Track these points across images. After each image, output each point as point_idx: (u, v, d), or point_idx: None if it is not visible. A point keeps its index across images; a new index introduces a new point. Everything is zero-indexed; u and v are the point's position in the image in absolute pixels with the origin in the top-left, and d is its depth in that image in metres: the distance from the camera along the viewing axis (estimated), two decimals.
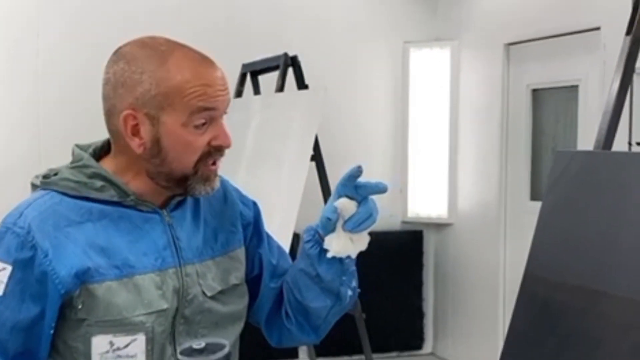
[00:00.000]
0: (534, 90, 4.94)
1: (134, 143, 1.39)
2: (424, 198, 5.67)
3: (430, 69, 5.61)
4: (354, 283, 1.58)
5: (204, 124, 1.39)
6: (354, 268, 1.57)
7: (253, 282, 1.61)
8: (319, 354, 4.77)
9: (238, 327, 1.56)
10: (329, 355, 5.23)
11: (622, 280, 1.75)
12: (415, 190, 5.69)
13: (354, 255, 1.53)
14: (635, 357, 1.63)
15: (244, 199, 1.62)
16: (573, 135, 4.59)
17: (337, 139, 5.26)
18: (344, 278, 1.55)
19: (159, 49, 1.39)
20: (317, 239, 1.53)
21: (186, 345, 1.21)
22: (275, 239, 1.69)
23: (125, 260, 1.39)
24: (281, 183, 3.71)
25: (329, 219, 1.48)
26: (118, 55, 1.41)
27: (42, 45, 4.96)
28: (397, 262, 5.57)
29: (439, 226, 5.71)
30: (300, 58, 4.10)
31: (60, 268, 1.34)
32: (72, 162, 1.46)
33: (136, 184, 1.43)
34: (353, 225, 1.48)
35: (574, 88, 4.56)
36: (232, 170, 1.51)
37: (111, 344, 1.37)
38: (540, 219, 2.06)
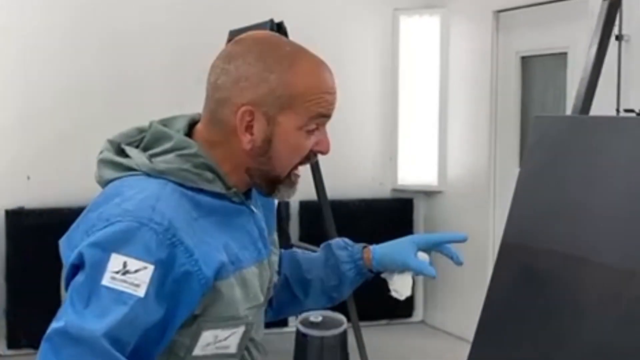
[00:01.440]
0: (523, 58, 4.94)
1: (245, 139, 1.36)
2: (414, 166, 5.68)
3: (420, 36, 5.59)
4: None
5: (314, 130, 1.39)
6: None
7: None
8: None
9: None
10: None
11: (602, 249, 1.73)
12: (405, 158, 5.70)
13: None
14: (619, 329, 1.61)
15: None
16: (562, 102, 4.59)
17: None
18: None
19: (285, 49, 1.39)
20: (359, 265, 1.62)
21: (303, 316, 1.21)
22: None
23: (235, 255, 1.37)
24: None
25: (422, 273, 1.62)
26: (242, 48, 1.39)
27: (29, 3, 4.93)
28: (387, 230, 5.55)
29: (428, 194, 5.73)
30: (288, 25, 4.07)
31: (206, 268, 1.30)
32: (176, 149, 1.37)
33: (233, 177, 1.40)
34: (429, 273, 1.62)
35: (563, 55, 4.55)
36: None
37: (216, 337, 1.36)
38: (518, 185, 2.04)
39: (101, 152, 1.41)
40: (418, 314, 5.82)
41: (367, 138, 5.72)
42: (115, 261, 1.24)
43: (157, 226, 1.27)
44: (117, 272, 1.23)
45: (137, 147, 1.41)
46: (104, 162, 1.40)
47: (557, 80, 4.68)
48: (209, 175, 1.37)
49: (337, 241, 1.66)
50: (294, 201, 5.37)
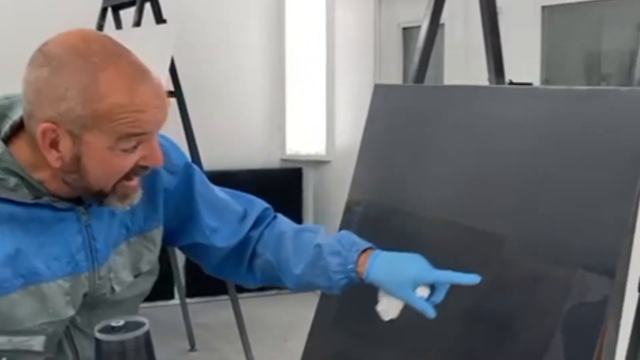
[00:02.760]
0: (405, 29, 5.07)
1: (51, 156, 1.24)
2: (302, 136, 5.76)
3: (307, 6, 5.64)
4: None
5: (134, 147, 1.26)
6: None
7: (197, 247, 1.56)
8: (191, 294, 4.81)
9: (140, 301, 1.51)
10: (204, 295, 5.28)
11: (435, 208, 1.81)
12: (293, 128, 5.77)
13: None
14: (489, 293, 1.63)
15: (172, 167, 1.49)
16: (440, 71, 4.76)
17: (212, 75, 5.24)
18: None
19: (90, 60, 1.20)
20: (351, 277, 1.47)
21: (104, 323, 1.15)
22: (214, 192, 1.60)
23: (32, 268, 1.28)
24: None
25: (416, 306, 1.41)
26: (45, 55, 1.22)
27: None
28: (277, 199, 5.44)
29: (317, 163, 5.81)
30: None
31: None
32: None
33: (52, 184, 1.30)
34: (430, 315, 1.42)
35: (441, 27, 4.71)
36: None
37: (9, 340, 1.30)
38: (360, 152, 2.13)
39: None
40: None
41: (255, 108, 5.76)
42: None
43: None
44: None
45: None
46: None
47: (436, 51, 4.82)
48: (12, 181, 1.26)
49: (331, 243, 1.50)
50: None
